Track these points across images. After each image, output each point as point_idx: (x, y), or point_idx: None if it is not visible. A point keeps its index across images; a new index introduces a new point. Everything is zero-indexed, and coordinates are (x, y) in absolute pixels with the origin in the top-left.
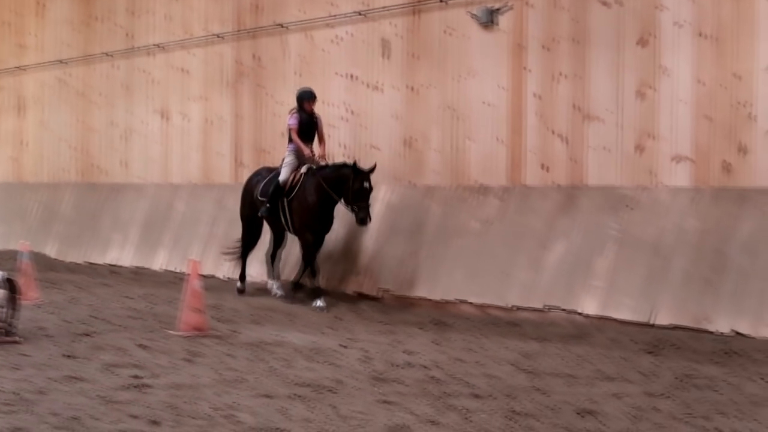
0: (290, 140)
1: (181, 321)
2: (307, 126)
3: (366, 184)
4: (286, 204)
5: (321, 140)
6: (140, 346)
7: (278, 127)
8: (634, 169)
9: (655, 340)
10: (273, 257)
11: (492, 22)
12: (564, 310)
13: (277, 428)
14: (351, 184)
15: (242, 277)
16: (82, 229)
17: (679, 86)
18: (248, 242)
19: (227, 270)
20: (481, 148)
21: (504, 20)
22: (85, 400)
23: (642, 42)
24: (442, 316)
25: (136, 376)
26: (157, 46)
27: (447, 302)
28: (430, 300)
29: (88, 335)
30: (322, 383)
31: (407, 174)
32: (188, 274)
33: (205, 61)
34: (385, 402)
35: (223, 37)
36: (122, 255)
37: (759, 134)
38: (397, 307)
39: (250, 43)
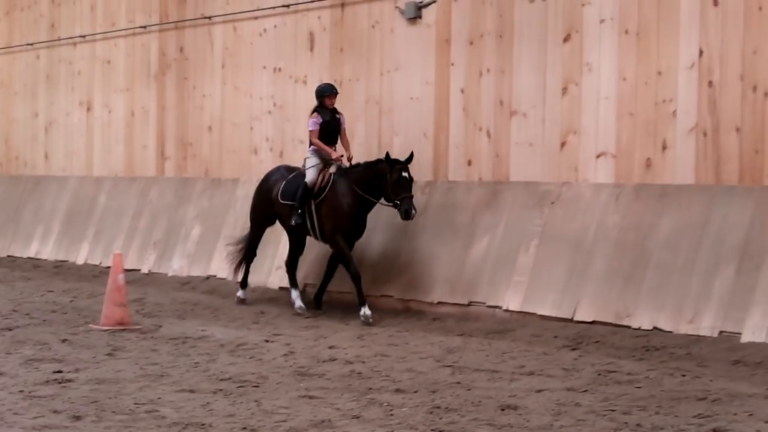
0: (311, 143)
1: (104, 315)
2: (330, 126)
3: (405, 174)
4: (313, 208)
5: (344, 143)
6: (62, 340)
7: (204, 119)
8: (558, 165)
9: (577, 336)
10: (293, 266)
11: (418, 16)
12: (487, 305)
13: (201, 423)
14: (389, 176)
15: (244, 283)
16: (3, 222)
17: (603, 83)
18: (255, 245)
19: (151, 264)
20: (406, 143)
21: (430, 15)
22: (6, 395)
23: (566, 38)
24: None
25: (58, 371)
26: (81, 36)
27: (371, 296)
28: (353, 294)
29: (9, 329)
30: (245, 378)
31: None
32: (111, 268)
33: (130, 52)
34: (308, 397)
35: (148, 29)
36: (44, 248)
37: (680, 131)
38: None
39: (176, 34)
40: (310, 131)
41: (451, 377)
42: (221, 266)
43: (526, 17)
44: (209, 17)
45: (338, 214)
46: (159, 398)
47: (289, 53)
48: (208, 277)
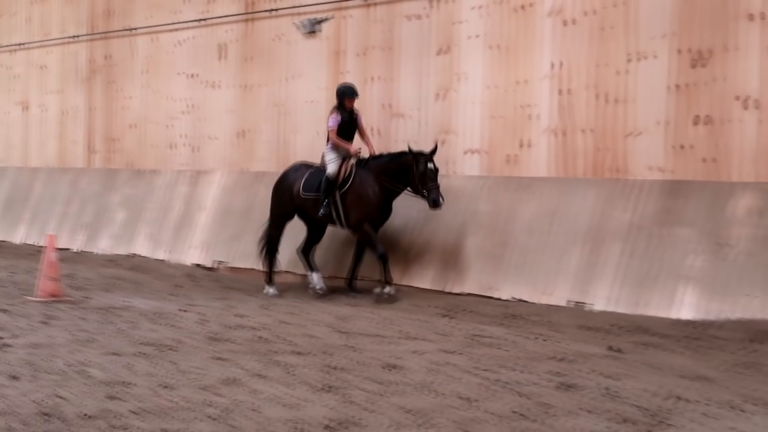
0: (329, 140)
1: (39, 288)
2: (348, 124)
3: (431, 165)
4: (338, 198)
5: (364, 137)
6: (2, 310)
7: (127, 118)
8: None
9: (450, 305)
10: (306, 252)
11: (314, 31)
12: (373, 279)
13: (124, 382)
14: (415, 168)
15: (270, 278)
16: None
17: (473, 90)
18: (278, 240)
19: (81, 244)
20: (304, 140)
21: (325, 30)
22: None
23: (442, 51)
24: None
25: None
26: (19, 44)
27: (274, 272)
28: (258, 270)
29: None
30: (163, 342)
31: (240, 161)
32: (45, 247)
33: (62, 59)
34: (219, 359)
35: (78, 38)
36: None
37: (538, 131)
38: (230, 276)
39: (103, 44)
40: (330, 129)
41: (342, 341)
42: (143, 245)
43: (407, 33)
44: (133, 29)
45: (365, 203)
46: (87, 360)
47: (202, 61)
48: (130, 255)
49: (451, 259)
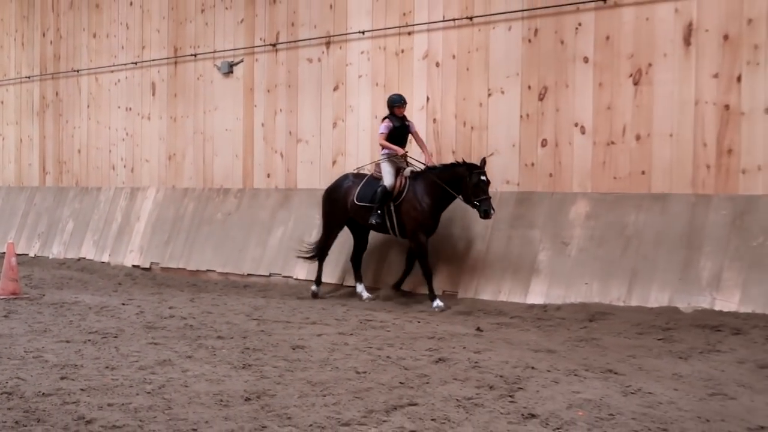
0: (382, 146)
1: (0, 287)
2: (399, 131)
3: (483, 177)
4: (392, 209)
5: (419, 144)
6: None
7: (74, 145)
8: (330, 177)
9: (346, 295)
10: (357, 261)
11: (230, 72)
12: (284, 276)
13: (74, 364)
14: (468, 180)
15: (318, 280)
16: None
17: (361, 119)
18: (329, 246)
19: (36, 250)
20: (224, 162)
21: (239, 70)
22: None
23: (335, 88)
24: (196, 281)
25: None
26: None
27: (199, 271)
28: (187, 270)
29: None
30: (107, 331)
31: (170, 179)
32: (6, 253)
33: (18, 96)
34: (154, 343)
35: (31, 78)
36: None
37: (414, 154)
38: (164, 275)
39: (52, 83)
40: (380, 134)
41: (257, 327)
42: (89, 250)
43: (306, 73)
44: (78, 70)
45: (419, 213)
46: (43, 347)
47: (137, 97)
48: (79, 259)
49: (345, 257)
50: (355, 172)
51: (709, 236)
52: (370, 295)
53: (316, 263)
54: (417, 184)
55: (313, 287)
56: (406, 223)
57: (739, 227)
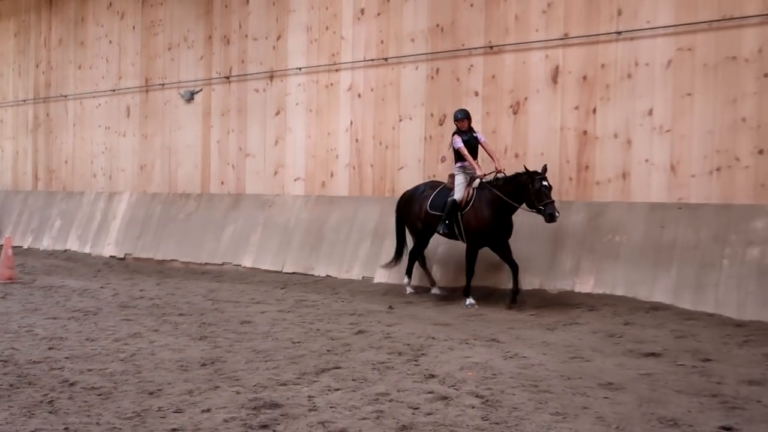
0: (457, 159)
1: None
2: (470, 144)
3: (545, 183)
4: (460, 218)
5: (492, 156)
6: None
7: (62, 156)
8: (273, 184)
9: (284, 280)
10: (414, 257)
11: (192, 98)
12: (234, 264)
13: (60, 337)
14: (531, 187)
15: (410, 274)
16: None
17: (298, 138)
18: (422, 248)
19: (29, 242)
20: (185, 171)
21: (198, 98)
22: None
23: (276, 113)
24: (162, 269)
25: None
26: None
27: (165, 260)
28: (155, 259)
29: None
30: (88, 309)
31: (141, 186)
32: (3, 245)
33: (15, 115)
34: (127, 320)
35: (26, 101)
36: None
37: (341, 166)
38: (135, 264)
39: (44, 105)
40: (459, 148)
41: (211, 306)
42: (74, 243)
43: (253, 100)
44: (65, 96)
45: (480, 223)
46: (34, 323)
47: (114, 118)
48: (65, 251)
49: (283, 249)
50: (430, 181)
51: (570, 234)
52: (442, 293)
53: (405, 268)
54: (482, 195)
55: (408, 287)
56: (465, 231)
57: (593, 227)
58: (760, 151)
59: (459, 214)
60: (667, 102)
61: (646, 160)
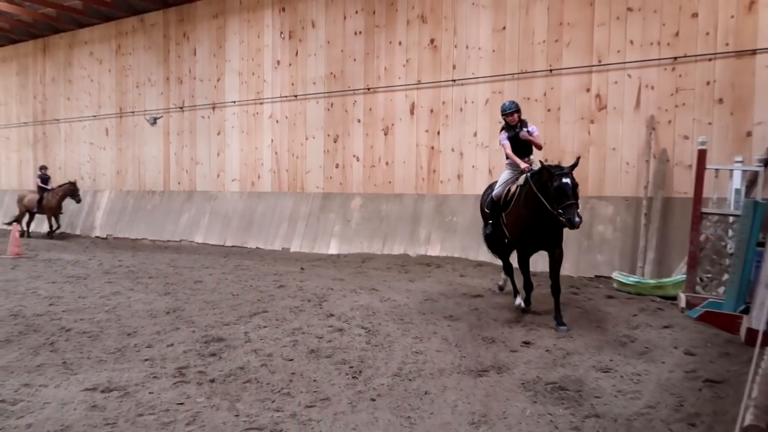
0: (507, 156)
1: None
2: (515, 140)
3: (565, 180)
4: (503, 218)
5: (537, 147)
6: None
7: (56, 165)
8: (216, 184)
9: (226, 252)
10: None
11: (155, 122)
12: (189, 240)
13: (58, 296)
14: (551, 185)
15: (513, 285)
16: None
17: (233, 151)
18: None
19: (31, 228)
20: (151, 175)
21: (160, 122)
22: None
23: (218, 133)
24: (135, 246)
25: None
26: None
27: (138, 239)
28: (129, 238)
29: None
30: (79, 275)
31: (118, 185)
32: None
33: (18, 134)
34: (109, 282)
35: (27, 123)
36: None
37: (264, 171)
38: (115, 242)
39: (41, 127)
40: (503, 144)
41: (173, 271)
42: (67, 227)
43: (201, 123)
44: (58, 119)
45: (517, 223)
46: (37, 286)
47: (96, 136)
48: (61, 233)
49: (224, 230)
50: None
51: (424, 216)
52: (524, 305)
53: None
54: (522, 192)
55: (519, 301)
56: (509, 234)
57: (439, 212)
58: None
59: (502, 214)
60: (486, 127)
61: (473, 166)
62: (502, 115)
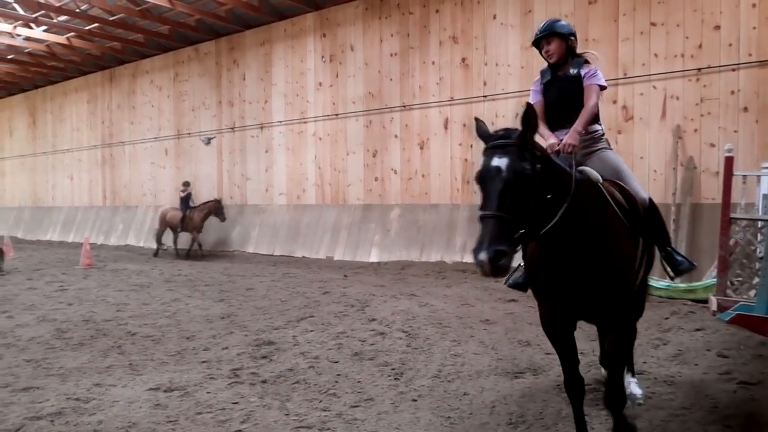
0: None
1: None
2: (555, 92)
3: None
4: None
5: (589, 111)
6: (63, 273)
7: (123, 181)
8: (265, 198)
9: (275, 261)
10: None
11: (209, 143)
12: (241, 250)
13: (124, 303)
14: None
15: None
16: (33, 216)
17: (280, 167)
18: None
19: (101, 240)
20: (206, 191)
21: (213, 142)
22: (38, 297)
23: (266, 151)
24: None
25: (61, 286)
26: (67, 150)
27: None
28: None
29: (38, 269)
30: (143, 284)
31: (176, 201)
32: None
33: (89, 156)
34: (170, 290)
35: (96, 147)
36: (53, 236)
37: (309, 184)
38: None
39: (109, 149)
40: (535, 103)
41: (227, 279)
42: (132, 240)
43: (251, 142)
44: (123, 142)
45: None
46: (106, 294)
47: (156, 156)
48: (126, 245)
49: (273, 241)
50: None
51: (459, 225)
52: (640, 394)
53: None
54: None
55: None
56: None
57: (473, 220)
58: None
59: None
60: None
61: None
62: (539, 40)
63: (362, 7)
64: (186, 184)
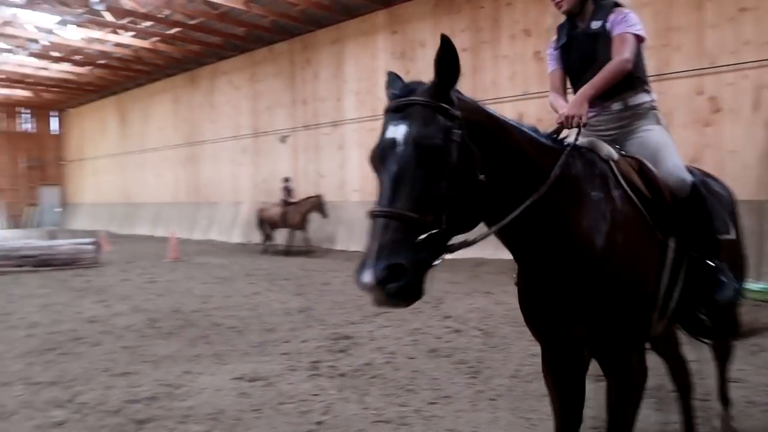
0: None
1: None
2: (574, 50)
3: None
4: None
5: (617, 69)
6: (153, 265)
7: (203, 179)
8: (339, 194)
9: (349, 256)
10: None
11: (284, 141)
12: (316, 246)
13: (209, 295)
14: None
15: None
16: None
17: (353, 164)
18: None
19: (185, 235)
20: (273, 186)
21: (288, 140)
22: (131, 288)
23: (340, 148)
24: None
25: (151, 278)
26: (154, 148)
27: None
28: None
29: (130, 262)
30: (225, 276)
31: (254, 197)
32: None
33: (174, 154)
34: (250, 283)
35: (180, 146)
36: (143, 229)
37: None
38: (253, 247)
39: (191, 147)
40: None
41: (304, 274)
42: (214, 235)
43: (325, 140)
44: (203, 141)
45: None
46: (192, 286)
47: (236, 154)
48: (208, 240)
49: (348, 236)
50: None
51: None
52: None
53: None
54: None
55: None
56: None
57: None
58: None
59: None
60: None
61: None
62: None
63: (432, 3)
64: (287, 179)
